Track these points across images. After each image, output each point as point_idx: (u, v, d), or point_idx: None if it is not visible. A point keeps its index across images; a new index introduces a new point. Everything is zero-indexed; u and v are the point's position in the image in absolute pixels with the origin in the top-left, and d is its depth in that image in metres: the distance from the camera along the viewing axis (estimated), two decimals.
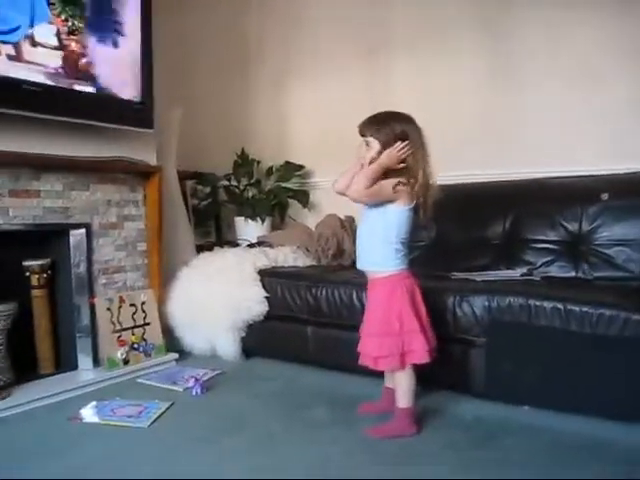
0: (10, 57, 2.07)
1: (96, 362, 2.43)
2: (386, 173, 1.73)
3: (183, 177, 3.28)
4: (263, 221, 3.40)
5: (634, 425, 1.77)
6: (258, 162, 3.55)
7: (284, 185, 3.48)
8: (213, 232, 3.68)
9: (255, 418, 1.94)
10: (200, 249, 3.03)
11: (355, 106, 2.67)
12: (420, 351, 1.74)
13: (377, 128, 1.75)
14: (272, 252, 2.88)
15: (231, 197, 3.52)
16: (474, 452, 1.65)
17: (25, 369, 2.24)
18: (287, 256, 2.89)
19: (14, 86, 2.07)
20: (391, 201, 1.73)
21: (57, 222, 2.35)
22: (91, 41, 2.32)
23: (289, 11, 3.60)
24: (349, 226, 3.04)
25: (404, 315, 1.73)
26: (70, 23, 2.24)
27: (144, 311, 2.59)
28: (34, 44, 2.13)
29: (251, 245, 3.13)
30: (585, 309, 1.82)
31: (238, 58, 3.78)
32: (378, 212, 1.76)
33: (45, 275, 2.35)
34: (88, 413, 1.98)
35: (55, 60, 2.21)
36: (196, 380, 2.20)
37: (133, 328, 2.53)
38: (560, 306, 1.87)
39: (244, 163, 3.49)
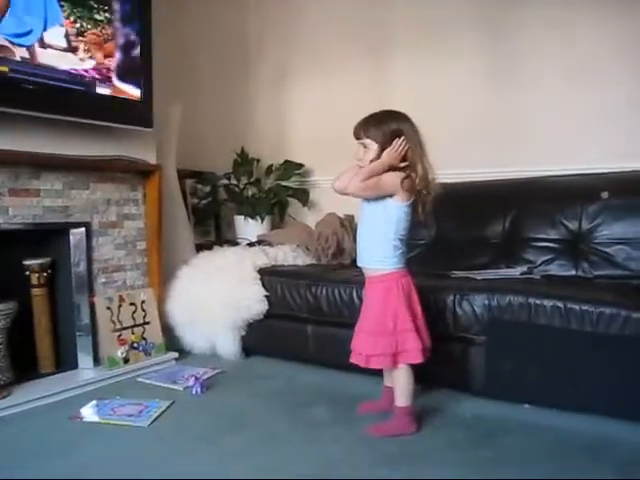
0: (24, 59, 2.10)
1: (96, 361, 2.43)
2: (387, 171, 1.73)
3: (183, 176, 3.28)
4: (263, 220, 3.40)
5: (634, 423, 1.77)
6: (258, 161, 3.55)
7: (284, 184, 3.48)
8: (213, 231, 3.67)
9: (255, 417, 1.94)
10: (200, 248, 3.02)
11: (355, 105, 2.64)
12: (413, 351, 1.74)
13: (372, 129, 1.75)
14: (272, 251, 2.88)
15: (231, 196, 3.52)
16: (474, 451, 1.65)
17: (25, 368, 2.24)
18: (287, 255, 2.89)
19: (14, 85, 2.07)
20: (391, 195, 1.73)
21: (57, 221, 2.35)
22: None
23: (289, 10, 3.60)
24: (349, 225, 3.04)
25: (399, 314, 1.74)
26: (78, 24, 2.26)
27: (144, 310, 2.59)
28: (44, 46, 2.15)
29: (251, 244, 3.13)
30: (585, 307, 1.82)
31: (238, 57, 3.77)
32: (378, 208, 1.76)
33: (45, 274, 2.35)
34: (88, 412, 1.99)
35: (66, 62, 2.23)
36: (196, 379, 2.20)
37: (133, 327, 2.53)
38: (560, 305, 1.87)
39: (244, 162, 3.49)
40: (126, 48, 2.45)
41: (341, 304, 2.32)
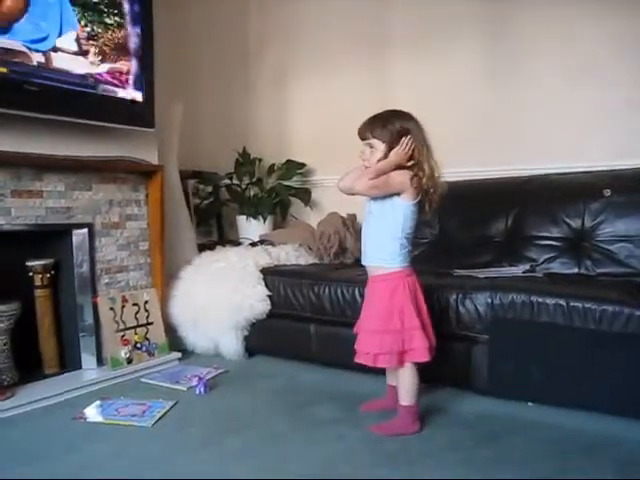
0: (40, 64, 2.12)
1: (100, 361, 2.43)
2: (394, 170, 1.73)
3: (185, 176, 3.28)
4: (265, 220, 3.40)
5: (637, 421, 1.77)
6: (259, 161, 3.55)
7: (286, 183, 3.49)
8: (215, 231, 3.68)
9: (259, 417, 1.94)
10: (202, 248, 3.02)
11: (356, 104, 2.68)
12: (420, 349, 1.73)
13: (378, 129, 1.74)
14: (274, 250, 2.89)
15: (233, 196, 3.52)
16: (477, 450, 1.65)
17: (29, 369, 2.25)
18: (289, 254, 2.89)
19: (15, 86, 2.07)
20: (399, 193, 1.73)
21: (60, 222, 2.35)
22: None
23: (290, 10, 3.60)
24: (351, 224, 3.04)
25: (405, 313, 1.73)
26: (89, 28, 2.27)
27: (147, 310, 2.59)
28: (55, 49, 2.17)
29: (253, 244, 3.13)
30: (588, 305, 1.82)
31: (238, 57, 3.78)
32: (386, 206, 1.75)
33: (48, 275, 2.35)
34: (92, 412, 1.99)
35: (79, 66, 2.25)
36: (199, 379, 2.21)
37: (136, 327, 2.53)
38: (563, 302, 1.87)
39: (245, 162, 3.50)
40: (132, 50, 2.45)
41: (344, 303, 2.32)
